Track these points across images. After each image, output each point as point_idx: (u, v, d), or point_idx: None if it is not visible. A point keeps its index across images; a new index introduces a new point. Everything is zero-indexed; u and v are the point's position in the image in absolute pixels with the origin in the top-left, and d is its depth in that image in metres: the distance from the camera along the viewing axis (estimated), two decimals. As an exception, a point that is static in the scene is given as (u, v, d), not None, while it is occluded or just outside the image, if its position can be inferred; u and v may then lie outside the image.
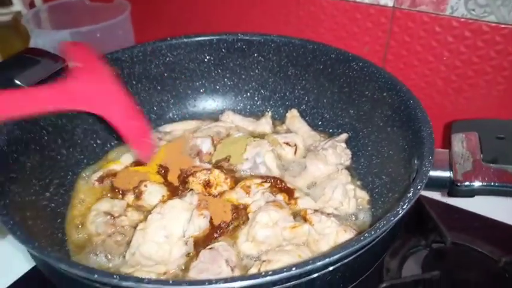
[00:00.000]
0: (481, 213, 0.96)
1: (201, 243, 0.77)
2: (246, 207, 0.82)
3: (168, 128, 1.04)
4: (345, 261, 0.55)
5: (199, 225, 0.78)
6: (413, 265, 0.85)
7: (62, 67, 0.91)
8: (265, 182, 0.86)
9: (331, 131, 1.02)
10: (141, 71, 1.00)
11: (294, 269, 0.50)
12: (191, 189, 0.85)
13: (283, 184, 0.87)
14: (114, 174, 0.90)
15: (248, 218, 0.80)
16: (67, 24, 1.23)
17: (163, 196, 0.85)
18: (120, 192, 0.87)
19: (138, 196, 0.85)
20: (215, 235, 0.78)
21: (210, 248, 0.73)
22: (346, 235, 0.74)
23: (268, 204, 0.80)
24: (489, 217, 0.95)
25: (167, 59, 1.02)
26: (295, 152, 0.95)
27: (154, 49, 1.00)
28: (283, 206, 0.80)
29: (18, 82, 0.85)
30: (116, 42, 1.23)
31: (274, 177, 0.88)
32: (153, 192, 0.85)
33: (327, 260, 0.51)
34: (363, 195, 0.87)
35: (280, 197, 0.83)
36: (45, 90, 0.73)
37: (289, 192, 0.85)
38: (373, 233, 0.54)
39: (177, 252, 0.74)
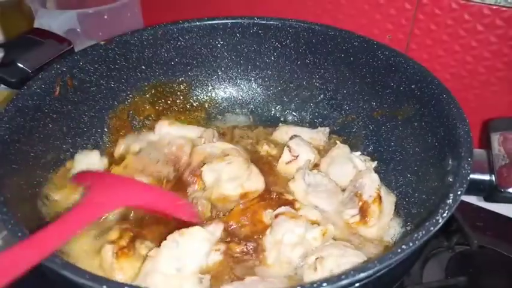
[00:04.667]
0: (507, 214, 0.92)
1: (217, 279, 0.67)
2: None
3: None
4: (379, 274, 0.51)
5: (213, 259, 0.69)
6: (435, 268, 0.82)
7: (66, 49, 0.86)
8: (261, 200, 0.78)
9: (351, 124, 0.96)
10: (151, 55, 0.95)
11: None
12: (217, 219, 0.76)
13: (280, 196, 0.79)
14: None
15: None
16: (73, 5, 1.18)
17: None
18: None
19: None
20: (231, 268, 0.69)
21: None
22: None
23: (283, 219, 0.72)
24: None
25: (178, 43, 0.96)
26: None
27: (165, 32, 0.95)
28: (297, 215, 0.73)
29: (20, 65, 0.81)
30: (124, 24, 1.19)
31: (266, 191, 0.79)
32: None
33: (364, 273, 0.47)
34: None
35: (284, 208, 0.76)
36: (75, 213, 0.62)
37: (289, 204, 0.77)
38: (411, 244, 0.50)
39: None
